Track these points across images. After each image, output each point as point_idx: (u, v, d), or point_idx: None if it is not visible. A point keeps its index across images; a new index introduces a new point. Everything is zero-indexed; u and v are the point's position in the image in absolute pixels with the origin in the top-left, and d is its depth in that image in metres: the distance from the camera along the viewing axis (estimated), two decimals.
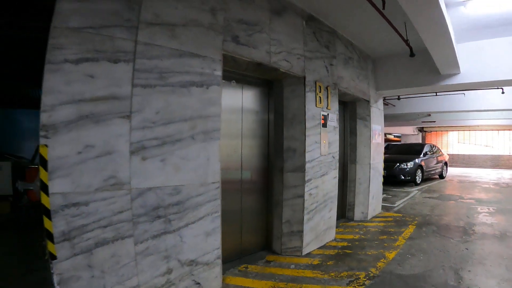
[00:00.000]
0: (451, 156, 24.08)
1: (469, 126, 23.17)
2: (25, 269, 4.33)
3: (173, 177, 3.10)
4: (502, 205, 8.74)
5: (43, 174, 2.39)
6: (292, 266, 4.47)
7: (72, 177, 2.51)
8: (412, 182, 12.97)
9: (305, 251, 4.90)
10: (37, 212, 7.01)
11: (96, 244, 2.65)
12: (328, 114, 5.38)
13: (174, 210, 3.11)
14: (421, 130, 26.11)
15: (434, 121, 19.23)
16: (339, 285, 3.85)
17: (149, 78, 2.92)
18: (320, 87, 5.15)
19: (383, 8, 4.27)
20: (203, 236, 3.39)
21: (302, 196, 4.80)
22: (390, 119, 15.87)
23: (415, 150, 14.53)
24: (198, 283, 3.38)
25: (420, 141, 25.03)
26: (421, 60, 6.61)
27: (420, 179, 13.32)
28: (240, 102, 4.68)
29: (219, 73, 3.52)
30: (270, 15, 4.28)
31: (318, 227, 5.20)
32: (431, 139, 26.78)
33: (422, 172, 13.52)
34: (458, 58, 5.97)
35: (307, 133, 4.83)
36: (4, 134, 8.47)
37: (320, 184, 5.19)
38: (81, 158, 2.55)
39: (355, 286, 3.82)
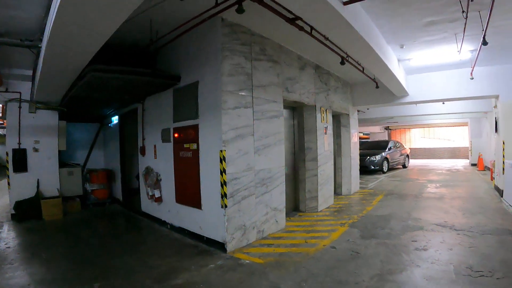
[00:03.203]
0: (414, 149, 27.45)
1: (427, 124, 26.05)
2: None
3: (269, 163, 6.24)
4: (446, 183, 12.58)
5: (223, 164, 5.35)
6: (314, 216, 7.71)
7: (234, 165, 5.51)
8: (380, 171, 16.35)
9: (319, 209, 8.14)
10: (100, 208, 9.84)
11: (242, 198, 5.67)
12: (327, 126, 8.64)
13: (269, 180, 6.24)
14: (387, 128, 29.05)
15: (397, 122, 22.72)
16: (344, 220, 7.18)
17: (258, 115, 6.02)
18: (322, 110, 8.39)
19: (363, 72, 7.62)
20: (279, 194, 6.52)
21: (316, 175, 8.04)
22: (361, 122, 18.02)
23: (381, 145, 17.89)
24: (276, 221, 6.47)
25: (386, 138, 27.95)
26: (382, 87, 9.90)
27: (386, 168, 16.77)
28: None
29: (282, 109, 6.70)
30: (299, 71, 7.47)
31: (325, 195, 8.46)
32: (396, 135, 30.12)
33: (388, 163, 16.94)
34: (406, 87, 9.58)
35: (317, 138, 8.08)
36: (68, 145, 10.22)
37: (325, 168, 8.45)
38: (237, 155, 5.57)
39: (352, 220, 7.16)
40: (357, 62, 7.62)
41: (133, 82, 6.09)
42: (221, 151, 5.31)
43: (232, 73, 5.55)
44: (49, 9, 4.88)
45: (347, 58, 6.94)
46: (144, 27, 5.62)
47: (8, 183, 8.52)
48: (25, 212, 8.25)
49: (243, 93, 5.73)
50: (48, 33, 4.19)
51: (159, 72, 6.37)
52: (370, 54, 6.30)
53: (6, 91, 8.38)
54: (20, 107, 8.53)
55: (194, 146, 5.91)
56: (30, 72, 8.37)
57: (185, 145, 6.15)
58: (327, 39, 5.76)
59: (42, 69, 5.74)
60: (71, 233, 7.29)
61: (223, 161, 5.30)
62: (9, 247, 6.10)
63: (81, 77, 5.82)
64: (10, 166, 8.52)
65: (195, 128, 5.86)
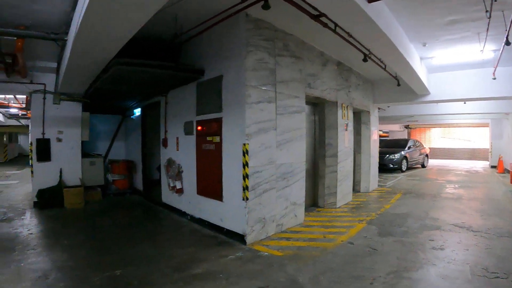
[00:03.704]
0: (434, 149, 26.87)
1: (448, 124, 25.42)
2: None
3: (290, 158, 6.29)
4: (465, 184, 12.37)
5: (246, 158, 5.42)
6: (333, 212, 7.74)
7: (256, 158, 5.58)
8: (399, 170, 16.20)
9: (338, 205, 8.15)
10: (121, 198, 10.04)
11: (263, 191, 5.74)
12: (348, 123, 8.62)
13: (289, 174, 6.29)
14: (406, 127, 28.64)
15: (417, 121, 22.36)
16: (362, 217, 7.19)
17: (280, 110, 6.07)
18: (343, 106, 8.37)
19: (385, 69, 7.55)
20: (299, 189, 6.58)
21: (336, 171, 8.05)
22: (380, 120, 17.81)
23: (401, 144, 17.70)
24: (295, 215, 6.52)
25: (406, 137, 27.43)
26: (404, 85, 9.79)
27: (405, 167, 16.60)
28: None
29: (304, 105, 6.72)
30: (321, 67, 7.47)
31: (344, 191, 8.46)
32: (415, 135, 29.48)
33: (407, 162, 16.76)
34: (427, 85, 9.46)
35: (338, 134, 8.07)
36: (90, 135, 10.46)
37: (344, 165, 8.44)
38: (259, 149, 5.64)
39: (370, 217, 7.16)
40: (380, 60, 7.58)
41: (157, 76, 6.22)
42: (244, 144, 5.39)
43: (256, 68, 5.61)
44: (76, 3, 5.02)
45: (369, 55, 6.89)
46: (169, 22, 5.71)
47: (32, 172, 8.80)
48: (47, 200, 8.51)
49: (266, 88, 5.79)
50: (77, 26, 4.29)
51: (182, 65, 6.46)
52: (393, 51, 6.28)
53: (31, 82, 8.65)
54: (44, 98, 8.79)
55: (217, 139, 5.99)
56: (54, 65, 8.62)
57: (208, 138, 6.24)
58: (350, 36, 5.74)
59: (68, 62, 5.90)
60: (92, 221, 7.50)
61: (246, 154, 5.37)
62: (31, 233, 6.31)
63: (106, 70, 5.97)
64: (33, 155, 8.80)
65: (219, 121, 5.94)
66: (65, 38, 6.10)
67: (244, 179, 5.43)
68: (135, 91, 8.21)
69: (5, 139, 25.21)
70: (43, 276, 4.31)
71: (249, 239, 5.42)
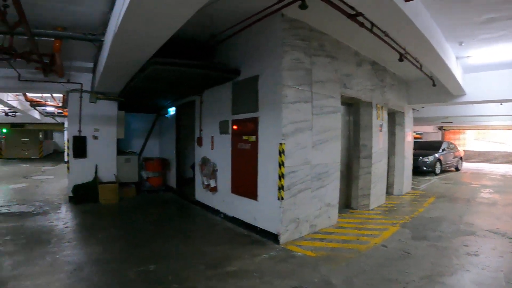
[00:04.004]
0: (468, 152, 25.68)
1: (483, 126, 24.36)
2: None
3: (325, 158, 6.23)
4: (500, 189, 11.85)
5: (282, 157, 5.40)
6: (366, 214, 7.60)
7: (292, 158, 5.56)
8: (432, 173, 15.70)
9: (371, 207, 8.00)
10: (154, 195, 10.20)
11: (298, 191, 5.71)
12: (382, 124, 8.44)
13: (324, 175, 6.23)
14: (440, 128, 27.85)
15: (451, 122, 21.69)
16: (395, 220, 7.04)
17: (316, 110, 6.03)
18: (378, 107, 8.21)
19: (420, 69, 7.37)
20: (333, 190, 6.51)
21: (370, 173, 7.91)
22: (414, 121, 17.34)
23: (435, 146, 17.12)
24: (329, 216, 6.46)
25: (440, 139, 26.56)
26: (439, 85, 9.45)
27: (439, 170, 16.05)
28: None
29: (339, 105, 6.64)
30: (356, 67, 7.35)
31: (377, 193, 8.31)
32: (450, 136, 28.35)
33: (441, 164, 16.20)
34: (463, 85, 9.17)
35: (372, 136, 7.92)
36: (125, 133, 10.77)
37: (378, 166, 8.28)
38: (295, 149, 5.62)
39: (404, 220, 7.01)
40: (415, 59, 7.37)
41: (192, 75, 6.30)
42: (281, 144, 5.38)
43: (292, 68, 5.59)
44: (113, 5, 5.18)
45: (405, 55, 6.73)
46: (204, 22, 5.78)
47: (68, 168, 9.13)
48: (82, 195, 8.80)
49: (302, 88, 5.76)
50: (116, 28, 4.41)
51: (218, 65, 6.54)
52: (429, 51, 6.12)
53: (68, 82, 8.99)
54: (81, 97, 9.11)
55: (253, 138, 6.01)
56: (90, 65, 8.94)
57: (244, 137, 6.27)
58: (386, 35, 5.61)
59: (106, 62, 6.07)
60: (126, 216, 7.70)
61: (282, 154, 5.36)
62: (67, 227, 6.54)
63: (143, 69, 6.10)
64: (70, 152, 9.12)
65: (255, 120, 5.95)
66: (102, 39, 6.29)
67: (279, 178, 5.42)
68: (170, 90, 8.32)
69: (40, 136, 26.23)
70: (78, 269, 4.44)
71: (282, 239, 5.41)
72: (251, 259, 4.81)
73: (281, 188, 5.40)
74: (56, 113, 17.88)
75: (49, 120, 21.13)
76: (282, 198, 5.40)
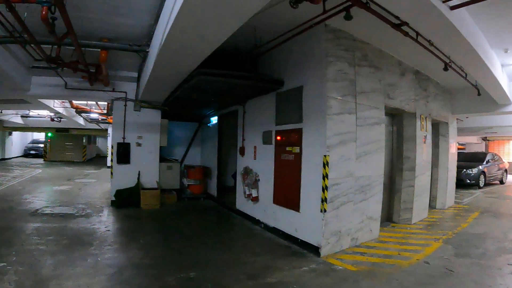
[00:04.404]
0: None
1: None
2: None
3: (368, 171, 6.12)
4: None
5: (326, 169, 5.36)
6: (407, 228, 7.36)
7: (336, 170, 5.50)
8: (476, 186, 14.97)
9: (413, 221, 7.73)
10: (195, 202, 10.36)
11: (340, 204, 5.63)
12: (426, 135, 8.19)
13: (367, 187, 6.12)
14: (484, 139, 27.20)
15: (496, 132, 20.72)
16: (438, 235, 6.78)
17: (360, 121, 5.94)
18: (422, 118, 7.98)
19: (465, 78, 7.13)
20: (375, 203, 6.36)
21: (413, 186, 7.66)
22: (457, 131, 16.99)
23: (478, 158, 16.39)
24: (371, 230, 6.31)
25: (484, 150, 26.24)
26: (484, 94, 9.00)
27: (482, 183, 15.27)
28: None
29: (383, 116, 6.52)
30: (399, 77, 7.20)
31: (420, 207, 8.03)
32: (494, 147, 27.75)
33: (485, 177, 15.44)
34: (509, 94, 8.73)
35: (416, 147, 7.69)
36: (168, 141, 10.85)
37: (422, 179, 8.02)
38: (339, 161, 5.56)
39: (447, 236, 6.74)
40: (460, 68, 7.12)
41: (237, 86, 6.40)
42: (325, 156, 5.34)
43: (336, 79, 5.57)
44: (158, 17, 5.36)
45: (450, 64, 6.51)
46: (247, 34, 5.85)
47: (111, 173, 9.45)
48: (124, 200, 9.08)
49: (346, 99, 5.71)
50: (162, 39, 4.56)
51: (262, 76, 6.59)
52: (475, 59, 5.90)
53: (113, 90, 9.42)
54: (125, 105, 9.49)
55: (297, 149, 5.99)
56: (135, 74, 9.28)
57: (287, 148, 6.27)
58: (431, 44, 5.48)
59: (151, 73, 6.28)
60: (167, 223, 7.84)
61: (326, 166, 5.31)
62: (109, 230, 6.75)
63: (188, 80, 6.27)
64: (114, 158, 9.46)
65: (299, 132, 5.94)
66: (147, 50, 6.53)
67: (323, 190, 5.36)
68: (214, 100, 8.49)
69: (84, 140, 27.47)
70: (119, 272, 4.55)
71: (323, 252, 5.35)
72: (291, 271, 4.78)
73: (324, 200, 5.34)
74: (100, 119, 18.63)
75: (92, 126, 22.03)
76: (325, 211, 5.34)
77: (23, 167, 19.54)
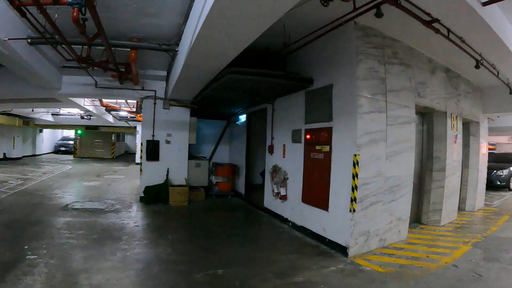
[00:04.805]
0: None
1: None
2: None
3: (398, 171, 6.04)
4: None
5: (356, 169, 5.33)
6: (436, 230, 7.22)
7: (366, 170, 5.46)
8: (506, 188, 14.46)
9: (442, 223, 7.58)
10: (222, 199, 10.47)
11: (370, 204, 5.58)
12: (457, 134, 8.00)
13: (396, 188, 6.04)
14: None
15: None
16: (467, 238, 6.61)
17: (391, 120, 5.87)
18: (453, 117, 7.80)
19: (497, 76, 6.94)
20: (404, 203, 6.28)
21: (443, 187, 7.51)
22: (488, 131, 16.84)
23: (509, 158, 15.85)
24: (399, 231, 6.23)
25: None
26: None
27: None
28: None
29: (414, 115, 6.42)
30: (430, 75, 7.06)
31: (449, 208, 7.86)
32: None
33: None
34: None
35: (446, 147, 7.53)
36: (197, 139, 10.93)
37: (452, 180, 7.84)
38: (369, 160, 5.52)
39: (476, 239, 6.56)
40: (492, 66, 6.89)
41: (266, 84, 6.44)
42: (355, 155, 5.31)
43: (366, 77, 5.52)
44: (187, 17, 5.44)
45: (481, 62, 6.32)
46: (276, 32, 5.83)
47: (140, 170, 9.70)
48: (153, 196, 9.27)
49: (377, 98, 5.65)
50: (192, 39, 4.61)
51: (292, 74, 6.59)
52: (507, 55, 5.80)
53: (143, 89, 9.62)
54: (155, 104, 9.69)
55: (327, 148, 5.98)
56: (164, 73, 9.43)
57: (317, 147, 6.25)
58: (463, 41, 5.33)
59: (181, 72, 6.37)
60: (195, 219, 7.95)
61: (356, 165, 5.29)
62: (137, 226, 6.89)
63: (217, 78, 6.34)
64: (143, 155, 9.68)
65: (329, 130, 5.92)
66: (176, 49, 6.63)
67: (352, 190, 5.33)
68: (243, 98, 8.54)
69: (113, 138, 28.21)
70: (147, 267, 4.63)
71: (351, 252, 5.32)
72: (319, 271, 4.78)
73: (353, 200, 5.31)
74: (129, 117, 19.10)
75: (121, 123, 22.56)
76: (354, 210, 5.31)
77: (53, 163, 20.24)
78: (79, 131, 25.81)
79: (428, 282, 4.47)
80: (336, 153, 5.76)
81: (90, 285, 3.94)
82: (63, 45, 6.15)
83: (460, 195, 9.05)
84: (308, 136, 6.58)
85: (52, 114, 21.19)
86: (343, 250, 5.41)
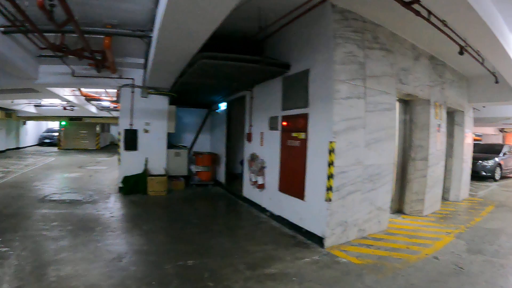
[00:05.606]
0: None
1: None
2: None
3: (378, 159, 5.86)
4: None
5: (332, 156, 5.12)
6: (418, 220, 7.08)
7: (343, 157, 5.26)
8: (491, 178, 14.46)
9: (424, 213, 7.44)
10: (202, 189, 10.29)
11: (347, 193, 5.40)
12: (440, 123, 7.85)
13: (377, 177, 5.86)
14: (501, 130, 26.57)
15: None
16: (450, 229, 6.49)
17: (370, 107, 5.67)
18: (437, 105, 7.64)
19: (482, 64, 6.77)
20: (385, 193, 6.11)
21: (425, 176, 7.36)
22: (474, 121, 16.67)
23: (495, 149, 15.79)
24: (379, 221, 6.07)
25: (500, 141, 25.61)
26: (502, 82, 8.46)
27: (499, 176, 14.74)
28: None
29: (395, 102, 6.22)
30: (413, 61, 6.86)
31: (432, 198, 7.73)
32: (511, 139, 26.82)
33: (501, 170, 14.89)
34: None
35: (429, 136, 7.37)
36: (176, 128, 10.84)
37: (435, 169, 7.71)
38: (347, 148, 5.31)
39: (459, 230, 6.44)
40: (477, 53, 6.70)
41: (241, 69, 6.19)
42: (331, 142, 5.11)
43: (344, 61, 5.29)
44: (158, 0, 5.14)
45: (465, 48, 6.13)
46: (252, 17, 5.65)
47: (119, 160, 9.50)
48: (131, 187, 9.08)
49: (355, 83, 5.43)
50: (159, 22, 4.39)
51: (268, 59, 6.33)
52: (492, 41, 5.42)
53: (120, 77, 9.38)
54: (133, 92, 9.45)
55: (303, 135, 5.77)
56: (142, 60, 9.16)
57: (293, 134, 6.05)
58: (445, 25, 5.11)
59: (154, 57, 6.14)
60: (172, 209, 7.83)
61: (332, 153, 5.08)
62: (113, 216, 6.76)
63: (191, 64, 6.09)
64: (121, 144, 9.45)
65: (305, 117, 5.71)
66: (151, 35, 6.39)
67: (328, 179, 5.14)
68: (220, 85, 8.32)
69: (97, 128, 27.71)
70: (117, 258, 4.53)
71: (328, 243, 5.16)
72: (293, 262, 4.64)
73: (329, 189, 5.13)
74: (111, 107, 18.79)
75: (105, 114, 22.13)
76: (330, 200, 5.13)
77: (37, 156, 19.83)
78: (63, 123, 25.29)
79: (406, 275, 4.31)
80: (312, 140, 5.56)
81: (58, 276, 3.86)
82: (35, 34, 6.00)
83: (444, 185, 8.96)
84: (284, 123, 6.38)
85: (35, 106, 20.66)
86: (319, 240, 5.24)
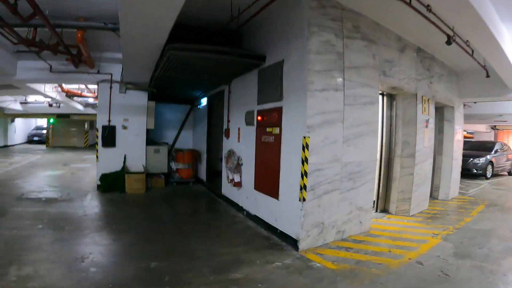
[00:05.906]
0: None
1: None
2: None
3: (358, 156, 5.51)
4: None
5: (306, 153, 4.77)
6: (404, 221, 6.74)
7: (318, 154, 4.91)
8: (483, 176, 14.27)
9: (411, 213, 7.10)
10: (183, 186, 10.02)
11: (324, 192, 5.04)
12: (429, 119, 7.52)
13: (357, 175, 5.51)
14: (493, 128, 26.40)
15: (506, 121, 19.96)
16: (437, 230, 6.15)
17: (350, 100, 5.31)
18: (424, 100, 7.30)
19: (471, 55, 6.41)
20: (367, 192, 5.77)
21: (412, 174, 7.01)
22: (465, 118, 16.67)
23: (487, 147, 15.63)
24: (360, 222, 5.73)
25: (492, 139, 25.24)
26: (494, 77, 8.07)
27: (490, 174, 14.55)
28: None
29: (377, 95, 5.87)
30: (398, 53, 6.51)
31: (420, 197, 7.40)
32: (503, 137, 27.04)
33: (492, 167, 14.70)
34: None
35: (417, 132, 7.02)
36: (158, 124, 10.68)
37: (422, 167, 7.36)
38: (323, 144, 4.96)
39: (447, 231, 6.09)
40: (466, 43, 6.33)
41: (214, 62, 5.88)
42: (305, 137, 4.76)
43: (321, 51, 4.93)
44: None
45: (453, 37, 5.76)
46: (227, 8, 5.32)
47: (97, 157, 9.23)
48: (109, 184, 8.85)
49: (332, 74, 5.07)
50: (119, 7, 4.08)
51: (240, 51, 5.99)
52: (481, 28, 5.07)
53: (98, 72, 9.12)
54: (111, 87, 9.17)
55: (277, 130, 5.43)
56: (119, 55, 8.82)
57: (268, 129, 5.71)
58: (429, 10, 4.60)
59: (123, 49, 5.90)
60: (149, 208, 7.58)
61: (305, 149, 4.73)
62: (86, 215, 6.56)
63: (162, 57, 5.79)
64: (99, 141, 9.17)
65: (279, 110, 5.36)
66: None
67: (302, 177, 4.80)
68: (197, 79, 7.96)
69: (86, 126, 27.27)
70: (80, 259, 4.37)
71: (302, 245, 4.83)
72: (262, 266, 4.34)
73: (303, 187, 4.78)
74: (97, 104, 18.25)
75: (90, 110, 21.71)
76: (304, 199, 4.79)
77: (23, 153, 19.46)
78: (51, 120, 24.87)
79: (385, 283, 3.97)
80: (286, 135, 5.22)
81: (17, 276, 3.76)
82: (5, 28, 5.81)
83: (432, 183, 8.66)
84: (259, 118, 6.04)
85: (21, 103, 20.27)
86: (294, 242, 4.91)
